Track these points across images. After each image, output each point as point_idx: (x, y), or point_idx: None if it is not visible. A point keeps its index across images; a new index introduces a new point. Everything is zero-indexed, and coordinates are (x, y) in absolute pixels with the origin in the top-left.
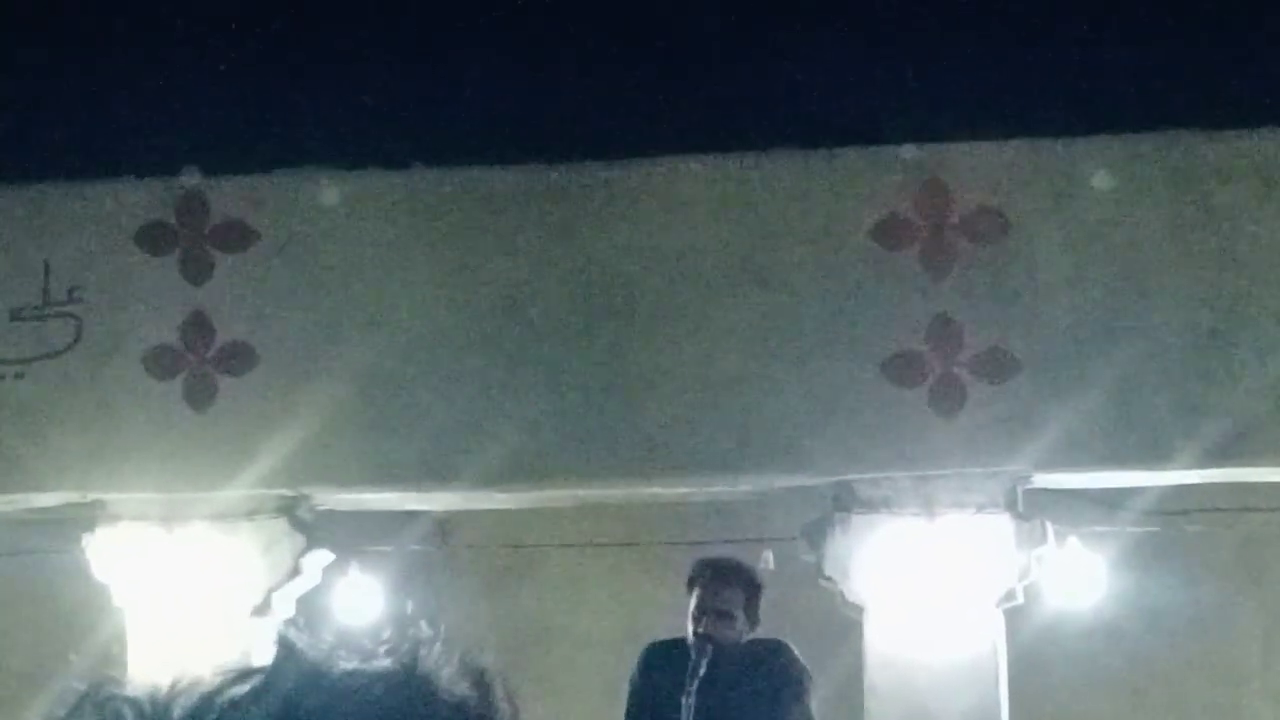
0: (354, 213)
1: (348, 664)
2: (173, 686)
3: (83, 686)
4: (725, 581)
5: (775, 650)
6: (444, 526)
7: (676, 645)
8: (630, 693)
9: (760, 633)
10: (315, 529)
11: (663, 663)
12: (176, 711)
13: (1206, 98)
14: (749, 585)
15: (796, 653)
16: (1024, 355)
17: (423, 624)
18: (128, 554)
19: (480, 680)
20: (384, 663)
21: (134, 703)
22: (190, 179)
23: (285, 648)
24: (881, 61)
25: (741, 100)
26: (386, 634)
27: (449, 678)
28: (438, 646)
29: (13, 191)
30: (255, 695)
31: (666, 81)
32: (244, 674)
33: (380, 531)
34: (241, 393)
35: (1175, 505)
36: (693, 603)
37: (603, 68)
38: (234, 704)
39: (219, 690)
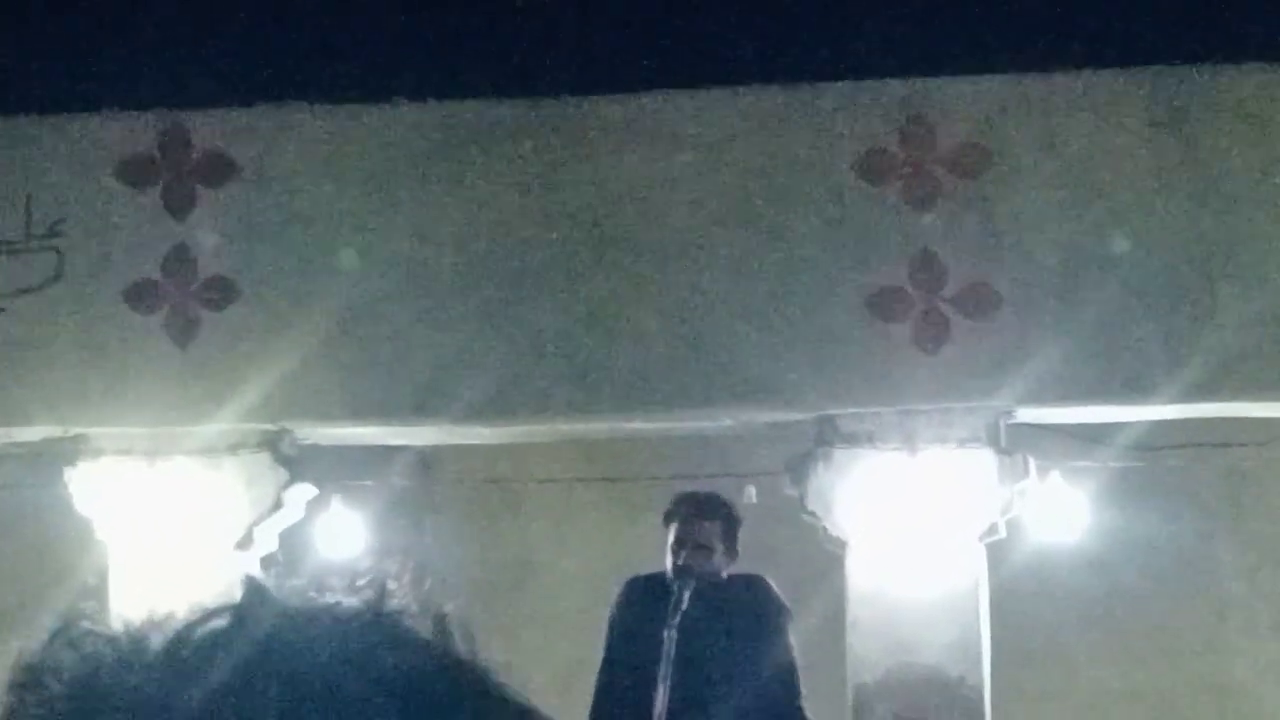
0: (337, 147)
1: (318, 602)
2: (147, 621)
3: (55, 623)
4: (703, 514)
5: (754, 585)
6: (427, 461)
7: (657, 580)
8: (611, 627)
9: (744, 567)
10: (298, 463)
11: (644, 597)
12: (154, 646)
13: (1189, 33)
14: (727, 518)
15: (775, 587)
16: (1007, 290)
17: (390, 561)
18: (110, 488)
19: (440, 620)
20: (353, 602)
21: (110, 638)
22: (172, 112)
23: (253, 586)
24: None
25: (725, 35)
26: (363, 571)
27: (413, 617)
28: (404, 584)
29: None
30: (230, 630)
31: (650, 16)
32: (218, 610)
33: (363, 466)
34: (224, 327)
35: (1158, 440)
36: (671, 536)
37: (587, 2)
38: (210, 638)
39: (196, 624)
